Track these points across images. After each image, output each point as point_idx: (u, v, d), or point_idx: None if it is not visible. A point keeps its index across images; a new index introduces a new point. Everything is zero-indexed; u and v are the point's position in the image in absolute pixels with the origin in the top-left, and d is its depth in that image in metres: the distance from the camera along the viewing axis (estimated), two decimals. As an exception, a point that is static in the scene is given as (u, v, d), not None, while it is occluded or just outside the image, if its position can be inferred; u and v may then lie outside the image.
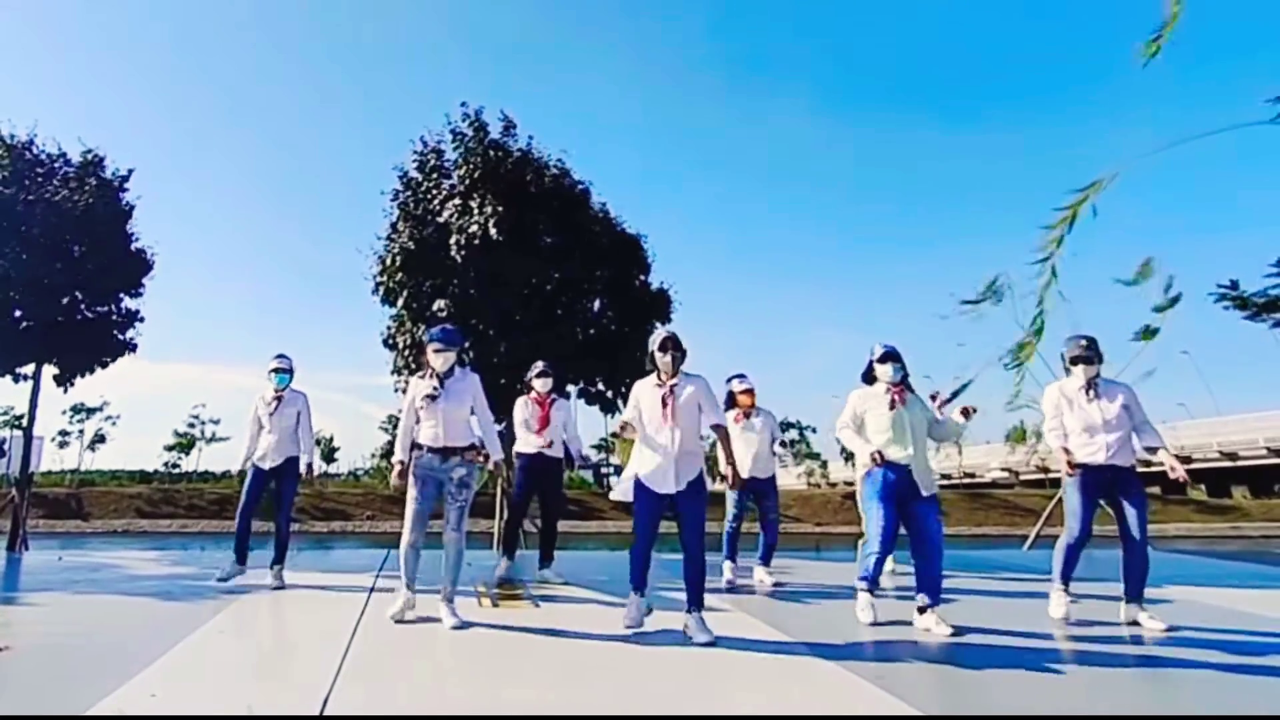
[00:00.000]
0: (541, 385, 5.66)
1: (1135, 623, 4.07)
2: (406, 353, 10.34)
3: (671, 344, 3.86)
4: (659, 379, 3.87)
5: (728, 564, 5.56)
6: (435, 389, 4.05)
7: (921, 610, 3.94)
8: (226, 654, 3.55)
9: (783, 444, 5.95)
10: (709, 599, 4.22)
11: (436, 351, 4.10)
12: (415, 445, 4.11)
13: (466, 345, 10.26)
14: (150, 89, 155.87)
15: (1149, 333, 4.85)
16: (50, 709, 2.64)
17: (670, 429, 3.75)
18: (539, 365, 5.75)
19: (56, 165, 11.81)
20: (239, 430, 5.54)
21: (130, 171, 12.24)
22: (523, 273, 10.34)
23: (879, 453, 4.00)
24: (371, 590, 5.07)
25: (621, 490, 3.92)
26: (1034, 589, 5.25)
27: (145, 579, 5.69)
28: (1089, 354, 4.22)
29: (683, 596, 3.79)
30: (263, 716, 2.57)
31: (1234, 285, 4.73)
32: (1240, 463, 45.63)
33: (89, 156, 11.99)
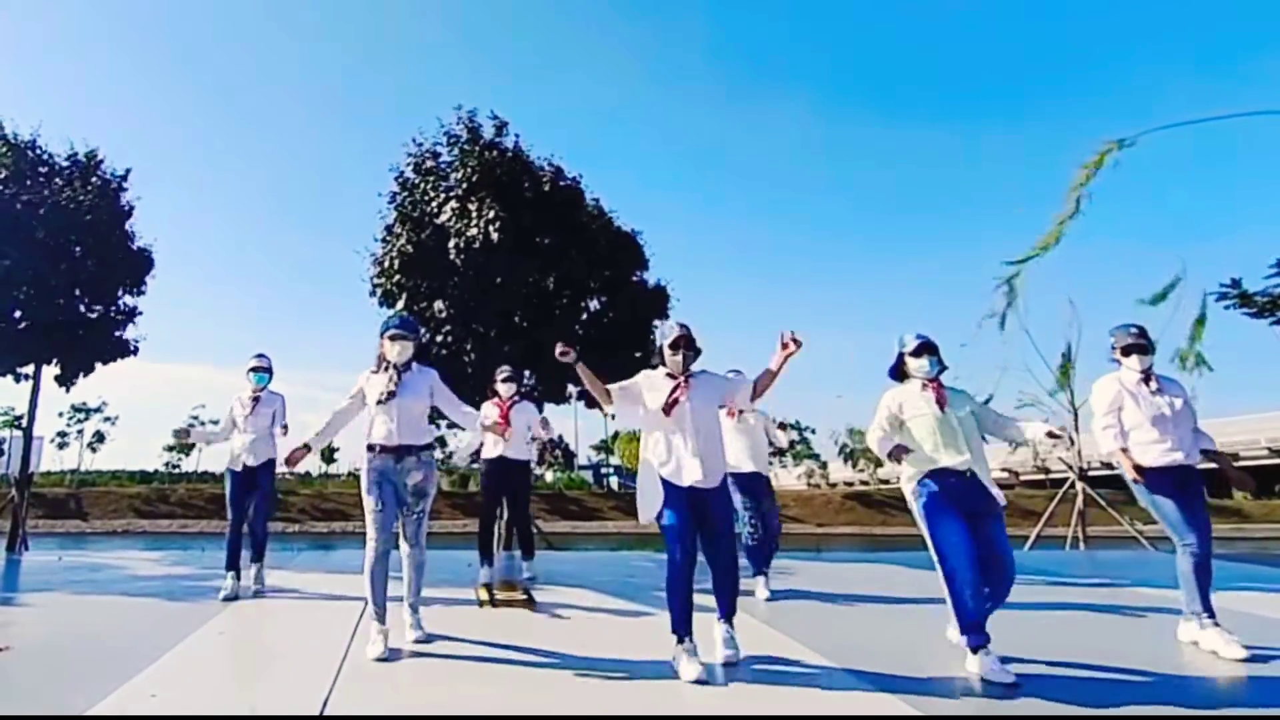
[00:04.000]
0: (505, 389, 5.80)
1: (1215, 653, 3.46)
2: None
3: (684, 343, 3.46)
4: (668, 371, 3.49)
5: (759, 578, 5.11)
6: (393, 383, 3.70)
7: (975, 650, 3.16)
8: (226, 654, 3.55)
9: (781, 448, 5.70)
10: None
11: (394, 339, 3.75)
12: (368, 447, 3.71)
13: (468, 348, 10.27)
14: (149, 89, 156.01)
15: (1193, 355, 4.56)
16: (50, 709, 2.64)
17: (689, 428, 3.36)
18: (505, 370, 5.92)
19: (59, 164, 11.81)
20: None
21: (128, 171, 12.23)
22: (521, 274, 10.34)
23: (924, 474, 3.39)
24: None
25: (647, 507, 3.38)
26: (1034, 589, 5.25)
27: (145, 579, 5.69)
28: (1145, 341, 3.77)
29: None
30: (263, 716, 2.57)
31: (1236, 284, 4.68)
32: (1241, 463, 45.58)
33: (88, 156, 11.99)
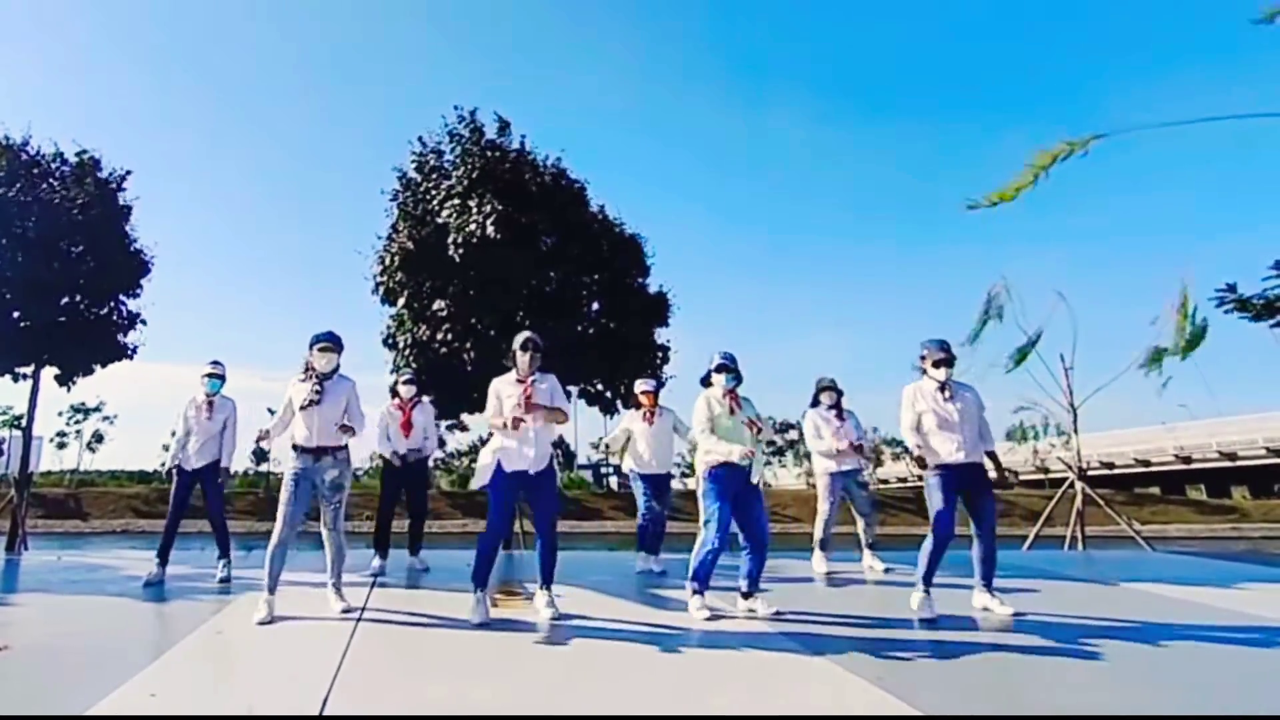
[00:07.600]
0: (405, 391, 6.09)
1: (986, 609, 4.32)
2: (407, 352, 10.33)
3: (533, 345, 4.18)
4: (518, 375, 4.18)
5: (640, 555, 5.96)
6: (316, 393, 4.20)
7: (745, 596, 4.28)
8: (226, 654, 3.56)
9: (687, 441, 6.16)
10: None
11: (322, 351, 4.27)
12: (293, 447, 4.25)
13: (468, 346, 10.27)
14: (150, 90, 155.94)
15: (1156, 357, 4.68)
16: (50, 709, 2.64)
17: (530, 419, 4.04)
18: (406, 373, 6.25)
19: (52, 166, 11.85)
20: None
21: (128, 172, 12.30)
22: (522, 273, 10.32)
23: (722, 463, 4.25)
24: (371, 590, 5.07)
25: (480, 477, 4.14)
26: (1033, 589, 5.26)
27: (144, 579, 5.67)
28: (951, 357, 4.53)
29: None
30: (263, 716, 2.57)
31: (1232, 288, 4.69)
32: (1240, 463, 45.62)
33: (85, 158, 12.04)
